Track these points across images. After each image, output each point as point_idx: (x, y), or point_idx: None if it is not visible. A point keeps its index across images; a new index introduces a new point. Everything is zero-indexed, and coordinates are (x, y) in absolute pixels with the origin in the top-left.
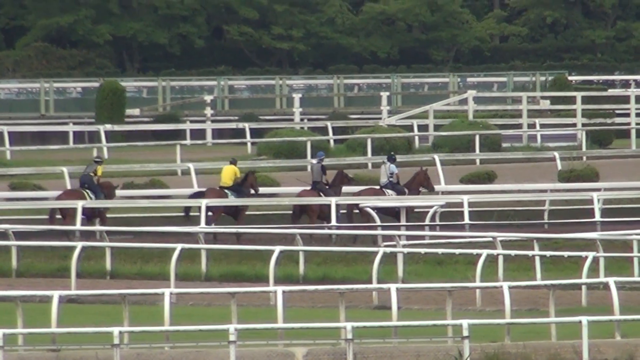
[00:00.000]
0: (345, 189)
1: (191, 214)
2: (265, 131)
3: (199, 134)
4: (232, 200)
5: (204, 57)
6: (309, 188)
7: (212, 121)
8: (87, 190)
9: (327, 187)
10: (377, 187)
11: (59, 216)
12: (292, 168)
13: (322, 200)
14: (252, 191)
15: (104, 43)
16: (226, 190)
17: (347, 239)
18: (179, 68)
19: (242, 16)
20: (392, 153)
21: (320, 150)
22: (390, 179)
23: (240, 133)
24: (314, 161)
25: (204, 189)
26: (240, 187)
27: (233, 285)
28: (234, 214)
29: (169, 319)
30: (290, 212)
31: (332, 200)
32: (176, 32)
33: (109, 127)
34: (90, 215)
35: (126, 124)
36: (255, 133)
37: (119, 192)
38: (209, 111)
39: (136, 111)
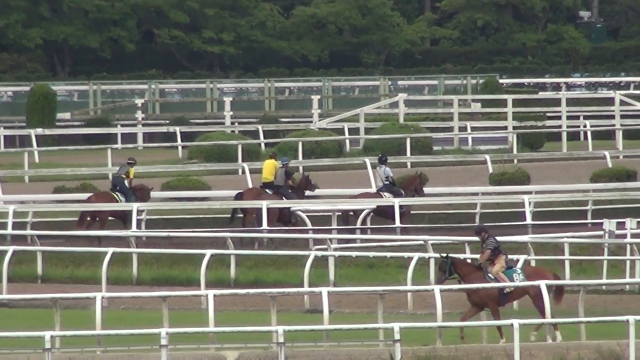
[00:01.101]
0: (341, 192)
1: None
2: (196, 135)
3: (130, 138)
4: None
5: (134, 61)
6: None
7: (143, 125)
8: (117, 193)
9: (290, 191)
10: (373, 191)
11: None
12: (222, 172)
13: (253, 204)
14: (307, 191)
15: (35, 47)
16: (267, 190)
17: (278, 242)
18: (110, 72)
19: (173, 20)
20: (383, 155)
21: (282, 154)
22: (386, 182)
23: (171, 137)
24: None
25: (242, 190)
26: (295, 189)
27: (164, 289)
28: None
29: (101, 323)
30: (224, 215)
31: (263, 204)
32: (107, 36)
33: (40, 131)
34: (122, 217)
35: (57, 127)
36: (186, 137)
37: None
38: (139, 115)
39: (67, 115)
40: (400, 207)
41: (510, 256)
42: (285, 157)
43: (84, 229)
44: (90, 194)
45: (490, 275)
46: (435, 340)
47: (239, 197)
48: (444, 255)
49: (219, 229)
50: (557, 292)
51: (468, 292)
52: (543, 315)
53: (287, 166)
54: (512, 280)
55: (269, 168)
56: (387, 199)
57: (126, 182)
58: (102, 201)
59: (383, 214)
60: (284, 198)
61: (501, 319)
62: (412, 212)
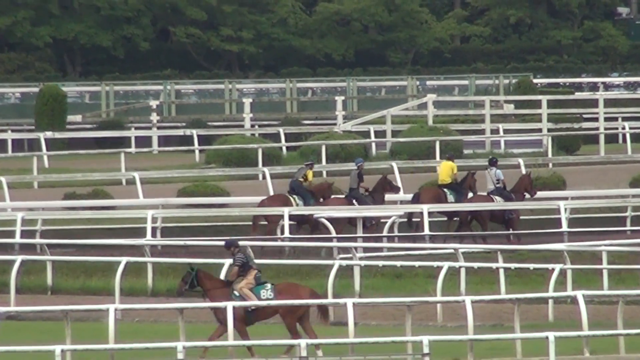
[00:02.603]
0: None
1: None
2: (214, 138)
3: (144, 142)
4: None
5: (149, 60)
6: (342, 197)
7: (158, 128)
8: (295, 196)
9: (366, 194)
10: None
11: (263, 222)
12: (242, 177)
13: (275, 210)
14: (470, 193)
15: (44, 46)
16: (445, 189)
17: (300, 251)
18: (123, 72)
19: (189, 17)
20: (494, 157)
21: (359, 156)
22: (497, 185)
23: (187, 140)
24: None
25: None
26: (460, 186)
27: (181, 301)
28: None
29: (114, 336)
30: (243, 223)
31: (285, 211)
32: (120, 34)
33: (49, 134)
34: (301, 221)
35: (68, 131)
36: (203, 140)
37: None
38: (154, 117)
39: (78, 117)
40: (510, 212)
41: (545, 265)
42: (360, 158)
43: (258, 234)
44: (264, 197)
45: (235, 292)
46: (467, 353)
47: (415, 199)
48: (191, 267)
49: (238, 237)
50: (322, 311)
51: (214, 310)
52: (294, 336)
53: (361, 168)
54: (259, 297)
55: (446, 170)
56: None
57: (304, 185)
58: (276, 204)
59: (496, 219)
60: (355, 202)
61: (249, 339)
62: (440, 219)
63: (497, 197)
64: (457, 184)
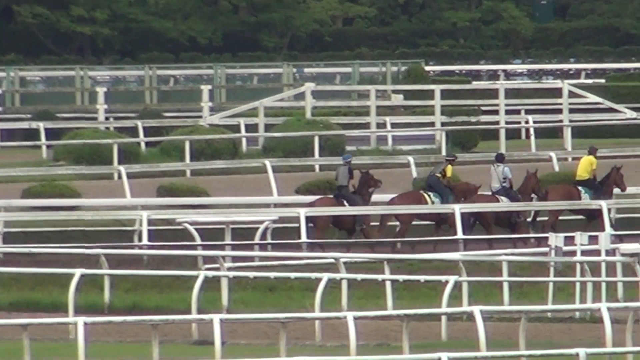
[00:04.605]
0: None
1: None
2: (63, 132)
3: None
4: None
5: None
6: (330, 196)
7: (0, 120)
8: (431, 193)
9: (354, 193)
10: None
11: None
12: (95, 176)
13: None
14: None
15: None
16: (580, 187)
17: (161, 261)
18: None
19: None
20: (500, 153)
21: (347, 152)
22: (504, 184)
23: (33, 134)
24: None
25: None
26: (600, 184)
27: (25, 316)
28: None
29: None
30: (96, 228)
31: (144, 215)
32: None
33: None
34: (436, 219)
35: None
36: (51, 134)
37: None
38: None
39: None
40: (517, 214)
41: (437, 277)
42: (349, 154)
43: (382, 235)
44: (394, 195)
45: None
46: None
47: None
48: None
49: (90, 245)
50: None
51: None
52: None
53: (350, 163)
54: None
55: (584, 165)
56: (292, 209)
57: (441, 181)
58: (407, 203)
59: (501, 222)
60: (345, 202)
61: None
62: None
63: (502, 198)
64: (598, 181)
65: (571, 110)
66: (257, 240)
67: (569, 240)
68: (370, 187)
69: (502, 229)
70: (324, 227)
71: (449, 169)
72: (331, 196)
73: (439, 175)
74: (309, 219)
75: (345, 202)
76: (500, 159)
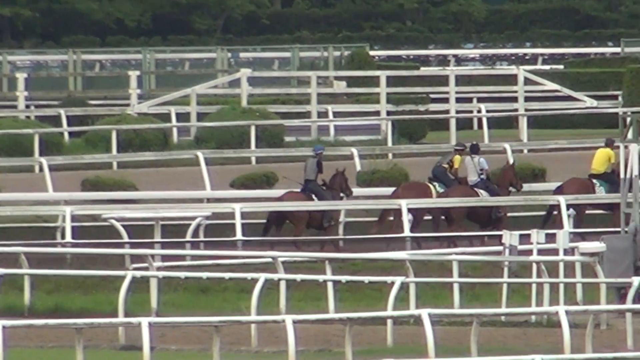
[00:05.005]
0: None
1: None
2: None
3: None
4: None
5: None
6: (297, 190)
7: None
8: (436, 184)
9: (323, 187)
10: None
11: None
12: (14, 169)
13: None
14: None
15: None
16: (595, 180)
17: (86, 260)
18: None
19: None
20: (476, 143)
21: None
22: (482, 177)
23: None
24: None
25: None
26: (612, 176)
27: None
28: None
29: None
30: (16, 225)
31: (67, 210)
32: None
33: None
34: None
35: None
36: None
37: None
38: None
39: None
40: (498, 209)
41: (383, 278)
42: (320, 145)
43: (382, 231)
44: (396, 188)
45: None
46: None
47: (558, 191)
48: None
49: (10, 242)
50: None
51: None
52: None
53: (321, 156)
54: None
55: (601, 158)
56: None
57: (448, 173)
58: (413, 194)
59: (479, 218)
60: (314, 197)
61: None
62: (256, 221)
63: (481, 191)
64: (616, 175)
65: (527, 99)
66: (188, 237)
67: (525, 239)
68: (342, 191)
69: (479, 226)
70: (302, 224)
71: (457, 160)
72: (298, 190)
73: (446, 165)
74: (244, 215)
75: (314, 197)
76: (475, 150)
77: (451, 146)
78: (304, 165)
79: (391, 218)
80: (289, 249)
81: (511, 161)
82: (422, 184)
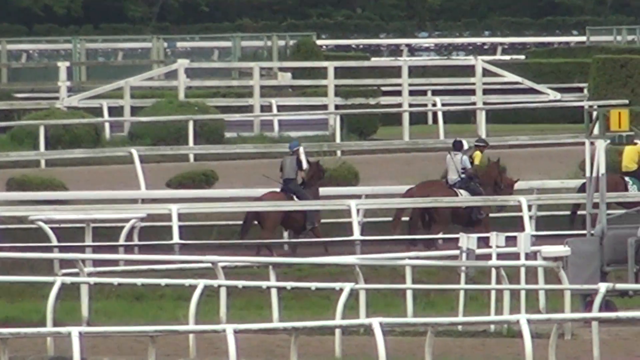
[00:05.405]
0: (398, 189)
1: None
2: None
3: None
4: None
5: None
6: (277, 190)
7: None
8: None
9: (302, 186)
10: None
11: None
12: None
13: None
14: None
15: None
16: (627, 178)
17: (11, 264)
18: None
19: None
20: (458, 140)
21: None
22: (463, 176)
23: None
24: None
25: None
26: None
27: None
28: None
29: None
30: None
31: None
32: None
33: None
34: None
35: None
36: None
37: None
38: None
39: None
40: (479, 211)
41: (331, 285)
42: (296, 141)
43: (398, 232)
44: (411, 186)
45: None
46: None
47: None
48: None
49: None
50: None
51: None
52: None
53: (298, 152)
54: None
55: (630, 155)
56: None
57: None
58: (426, 193)
59: (460, 219)
60: (294, 197)
61: None
62: (194, 223)
63: (462, 191)
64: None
65: (485, 91)
66: (122, 241)
67: (484, 242)
68: (319, 179)
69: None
70: (272, 227)
71: (478, 156)
72: (278, 190)
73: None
74: (181, 217)
75: (294, 197)
76: (458, 146)
77: (407, 142)
78: (281, 164)
79: (405, 218)
80: (247, 253)
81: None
82: (438, 182)
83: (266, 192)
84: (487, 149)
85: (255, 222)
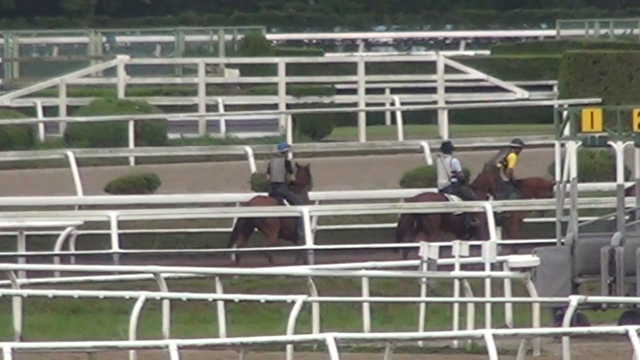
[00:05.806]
0: (399, 193)
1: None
2: None
3: None
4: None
5: None
6: (266, 195)
7: None
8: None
9: (292, 190)
10: (435, 190)
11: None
12: None
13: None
14: None
15: None
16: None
17: None
18: None
19: None
20: (448, 142)
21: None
22: (453, 180)
23: None
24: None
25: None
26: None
27: None
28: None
29: None
30: None
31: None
32: None
33: None
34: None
35: None
36: None
37: None
38: None
39: None
40: (473, 217)
41: (282, 297)
42: (284, 142)
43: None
44: (420, 193)
45: None
46: None
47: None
48: None
49: None
50: None
51: None
52: None
53: (287, 155)
54: None
55: None
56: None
57: (502, 174)
58: (427, 199)
59: (452, 227)
60: (285, 201)
61: None
62: (134, 230)
63: (452, 197)
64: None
65: (448, 89)
66: (57, 250)
67: (446, 251)
68: (306, 182)
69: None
70: (276, 235)
71: (513, 158)
72: (266, 194)
73: (499, 165)
74: (121, 224)
75: (285, 202)
76: (447, 149)
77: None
78: (268, 166)
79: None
80: (191, 263)
81: (429, 162)
82: (436, 195)
83: (254, 197)
84: (523, 149)
85: (255, 230)
